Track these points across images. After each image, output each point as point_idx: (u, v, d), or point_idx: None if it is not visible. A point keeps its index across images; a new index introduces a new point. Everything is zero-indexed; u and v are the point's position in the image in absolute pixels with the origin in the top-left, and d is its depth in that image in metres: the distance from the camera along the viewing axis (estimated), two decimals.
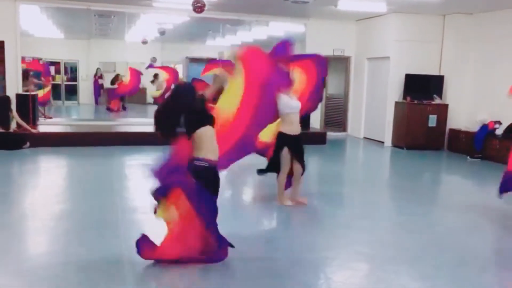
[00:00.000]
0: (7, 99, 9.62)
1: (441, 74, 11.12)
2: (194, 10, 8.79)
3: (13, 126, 9.54)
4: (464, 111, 10.74)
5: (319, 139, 11.19)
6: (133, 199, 5.63)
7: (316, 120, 12.29)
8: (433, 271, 4.03)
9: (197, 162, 3.85)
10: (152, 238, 3.87)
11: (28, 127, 9.64)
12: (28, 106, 10.24)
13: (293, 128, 5.63)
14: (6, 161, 8.33)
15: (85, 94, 19.86)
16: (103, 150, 9.24)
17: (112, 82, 18.27)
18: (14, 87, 10.37)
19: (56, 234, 4.73)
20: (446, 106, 10.81)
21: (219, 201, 3.94)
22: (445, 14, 10.93)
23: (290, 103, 5.50)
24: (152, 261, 3.88)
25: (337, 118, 13.55)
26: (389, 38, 11.20)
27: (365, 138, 12.39)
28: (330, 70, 13.49)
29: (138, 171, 7.69)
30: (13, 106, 9.72)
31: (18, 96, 10.27)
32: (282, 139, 5.60)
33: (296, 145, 5.71)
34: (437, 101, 10.84)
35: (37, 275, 3.73)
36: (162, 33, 14.21)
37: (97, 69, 19.38)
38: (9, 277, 3.67)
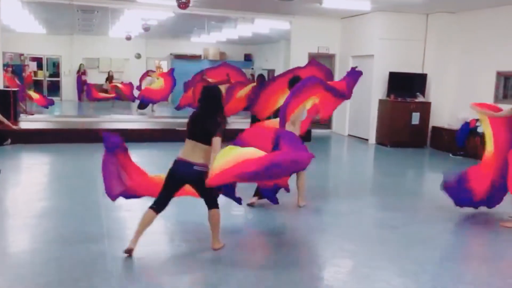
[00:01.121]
0: None
1: (424, 72, 11.23)
2: (179, 6, 8.74)
3: None
4: (447, 109, 10.87)
5: (304, 136, 11.15)
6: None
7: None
8: (416, 267, 4.07)
9: (200, 168, 3.95)
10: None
11: (9, 123, 9.46)
12: (9, 102, 10.08)
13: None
14: None
15: (68, 90, 19.62)
16: (86, 147, 9.12)
17: (107, 80, 18.15)
18: None
19: (37, 232, 4.66)
20: (429, 104, 10.92)
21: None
22: (428, 13, 11.03)
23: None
24: (131, 258, 3.86)
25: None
26: (373, 36, 11.27)
27: (349, 135, 12.47)
28: None
29: None
30: None
31: None
32: None
33: None
34: (420, 99, 10.95)
35: (18, 273, 3.68)
36: (147, 29, 14.07)
37: (80, 65, 19.16)
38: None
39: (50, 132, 10.01)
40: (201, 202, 4.17)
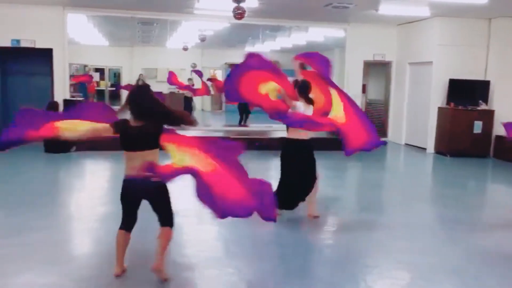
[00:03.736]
0: (55, 104, 10.00)
1: (487, 79, 10.77)
2: (235, 16, 8.89)
3: None
4: None
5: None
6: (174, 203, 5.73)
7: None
8: (477, 282, 3.90)
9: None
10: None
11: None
12: None
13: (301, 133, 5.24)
14: (54, 164, 8.67)
15: None
16: None
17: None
18: (61, 92, 10.78)
19: (101, 235, 4.87)
20: (492, 112, 10.46)
21: None
22: (491, 17, 10.59)
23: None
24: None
25: (377, 123, 13.34)
26: (432, 42, 10.96)
27: (406, 144, 12.15)
28: (370, 75, 13.47)
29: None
30: (61, 111, 10.07)
31: (66, 101, 10.67)
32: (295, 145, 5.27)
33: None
34: (483, 106, 10.51)
35: (83, 275, 3.87)
36: (203, 39, 14.43)
37: (140, 75, 19.90)
38: (56, 277, 3.82)
39: (112, 139, 10.42)
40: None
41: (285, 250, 4.54)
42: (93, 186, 7.36)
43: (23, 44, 10.40)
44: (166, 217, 3.74)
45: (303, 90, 5.23)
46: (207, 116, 18.72)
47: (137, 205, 3.78)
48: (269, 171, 7.60)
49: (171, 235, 3.76)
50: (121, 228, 3.80)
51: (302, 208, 5.54)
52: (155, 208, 3.75)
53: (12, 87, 11.52)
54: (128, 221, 3.79)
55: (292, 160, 5.23)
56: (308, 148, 5.29)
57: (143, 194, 3.69)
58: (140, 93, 3.79)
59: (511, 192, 8.03)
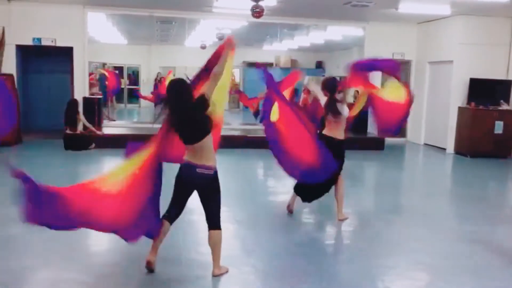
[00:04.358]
0: (75, 102, 10.12)
1: (509, 78, 10.58)
2: (253, 15, 8.88)
3: (80, 128, 10.02)
4: None
5: (376, 144, 10.96)
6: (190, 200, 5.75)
7: (373, 125, 12.05)
8: (499, 284, 3.84)
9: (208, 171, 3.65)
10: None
11: (93, 129, 10.11)
12: (94, 109, 10.75)
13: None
14: (73, 161, 8.79)
15: None
16: None
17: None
18: (81, 91, 10.91)
19: None
20: None
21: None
22: None
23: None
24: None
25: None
26: (453, 41, 10.80)
27: (425, 144, 12.00)
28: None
29: None
30: (80, 109, 10.20)
31: (85, 99, 10.80)
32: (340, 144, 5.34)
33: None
34: (504, 106, 10.32)
35: (102, 271, 3.91)
36: (221, 38, 14.44)
37: (158, 73, 20.04)
38: (76, 272, 3.86)
39: (130, 137, 10.49)
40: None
41: (302, 249, 4.53)
42: None
43: (44, 42, 10.55)
44: (212, 216, 3.71)
45: (330, 89, 5.24)
46: (224, 114, 18.69)
47: (188, 195, 3.76)
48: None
49: (219, 238, 3.70)
50: (165, 217, 3.76)
51: (319, 207, 5.51)
52: (203, 202, 3.73)
53: (33, 84, 11.72)
54: (172, 211, 3.77)
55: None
56: (340, 147, 5.23)
57: (192, 181, 3.66)
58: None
59: None
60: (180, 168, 3.71)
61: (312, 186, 5.17)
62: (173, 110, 3.61)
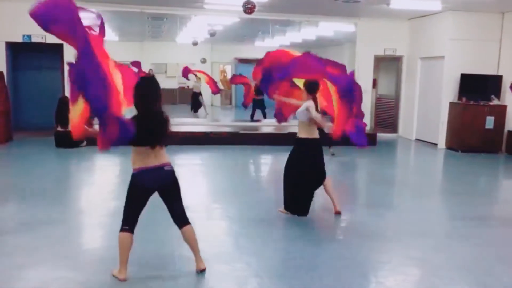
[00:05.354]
0: (66, 99, 10.03)
1: (499, 74, 10.65)
2: (245, 11, 8.85)
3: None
4: None
5: (369, 140, 10.95)
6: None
7: (365, 121, 12.06)
8: (490, 279, 3.86)
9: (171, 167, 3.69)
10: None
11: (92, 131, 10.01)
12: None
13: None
14: (65, 159, 8.74)
15: None
16: None
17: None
18: None
19: (111, 230, 4.87)
20: (504, 107, 10.33)
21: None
22: (504, 11, 10.45)
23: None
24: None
25: (388, 119, 13.27)
26: (444, 37, 10.85)
27: (417, 139, 12.06)
28: (380, 70, 13.37)
29: (186, 171, 7.85)
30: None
31: None
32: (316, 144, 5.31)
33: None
34: (495, 102, 10.39)
35: (94, 268, 3.89)
36: (212, 34, 14.40)
37: (149, 70, 19.93)
38: (67, 270, 3.84)
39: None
40: None
41: (295, 245, 4.53)
42: (103, 180, 7.39)
43: (34, 39, 10.45)
44: (182, 212, 3.74)
45: (311, 89, 5.23)
46: (217, 111, 18.74)
47: (146, 203, 3.71)
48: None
49: (194, 231, 3.76)
50: (125, 230, 3.63)
51: (312, 204, 5.52)
52: (170, 201, 3.72)
53: (24, 82, 11.62)
54: (134, 221, 3.68)
55: (306, 161, 5.21)
56: (320, 147, 5.30)
57: (160, 182, 3.62)
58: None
59: None
60: (138, 176, 3.60)
61: (299, 198, 5.25)
62: (149, 111, 3.66)
